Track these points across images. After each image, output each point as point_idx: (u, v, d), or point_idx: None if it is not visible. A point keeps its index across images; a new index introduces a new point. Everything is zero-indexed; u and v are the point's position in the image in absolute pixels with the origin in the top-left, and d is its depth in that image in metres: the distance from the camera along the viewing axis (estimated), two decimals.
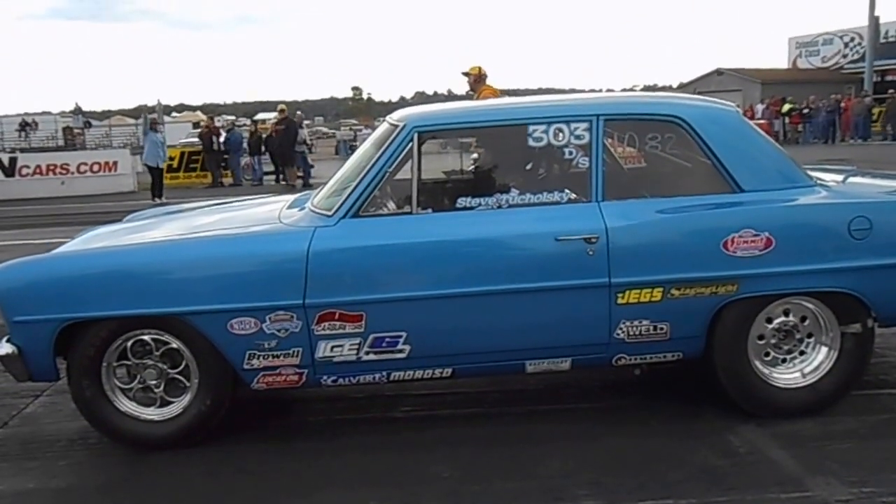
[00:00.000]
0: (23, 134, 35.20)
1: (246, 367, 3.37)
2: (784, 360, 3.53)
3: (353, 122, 58.81)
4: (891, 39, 36.51)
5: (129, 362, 3.46)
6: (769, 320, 3.48)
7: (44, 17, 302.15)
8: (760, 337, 3.48)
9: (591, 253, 3.29)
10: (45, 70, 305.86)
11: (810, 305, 3.47)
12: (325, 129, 46.91)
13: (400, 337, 3.35)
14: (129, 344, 3.43)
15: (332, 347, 3.34)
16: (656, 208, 3.38)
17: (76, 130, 34.69)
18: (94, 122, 41.09)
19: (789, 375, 3.52)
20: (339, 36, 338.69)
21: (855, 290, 3.37)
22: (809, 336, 3.52)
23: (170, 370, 3.46)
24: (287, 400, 4.04)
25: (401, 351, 3.37)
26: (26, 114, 40.84)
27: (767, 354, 3.51)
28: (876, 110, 26.52)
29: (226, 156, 20.05)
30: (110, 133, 37.43)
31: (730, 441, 3.34)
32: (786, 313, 3.49)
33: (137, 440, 3.52)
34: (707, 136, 3.44)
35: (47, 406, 4.16)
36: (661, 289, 3.33)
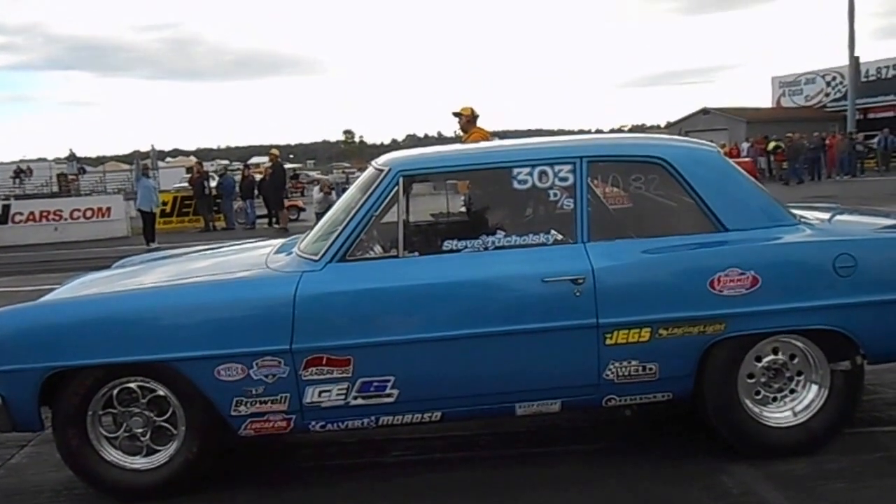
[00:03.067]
0: (17, 181, 35.29)
1: (233, 413, 3.34)
2: (775, 399, 3.51)
3: (346, 164, 59.16)
4: (871, 78, 37.28)
5: (115, 410, 3.43)
6: (758, 359, 3.47)
7: (42, 68, 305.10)
8: (750, 375, 3.47)
9: (578, 294, 3.29)
10: (41, 117, 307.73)
11: (799, 343, 3.47)
12: (312, 174, 46.43)
13: (388, 381, 3.33)
14: (116, 392, 3.40)
15: (320, 392, 3.32)
16: (642, 248, 3.39)
17: (70, 177, 34.79)
18: (88, 168, 41.22)
19: (780, 414, 3.50)
20: (331, 80, 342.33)
21: (842, 328, 3.38)
22: (799, 374, 3.51)
23: (156, 418, 3.43)
24: (276, 445, 3.99)
25: (389, 395, 3.34)
26: (22, 160, 40.99)
27: (758, 393, 3.49)
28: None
29: (218, 200, 20.12)
30: (104, 179, 37.54)
31: (723, 482, 3.30)
32: (775, 351, 3.48)
33: (123, 490, 3.46)
34: (690, 177, 3.47)
35: (32, 456, 4.10)
36: (648, 329, 3.33)
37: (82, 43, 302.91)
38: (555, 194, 3.47)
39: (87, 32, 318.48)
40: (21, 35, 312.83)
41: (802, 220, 3.63)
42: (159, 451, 3.45)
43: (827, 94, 41.24)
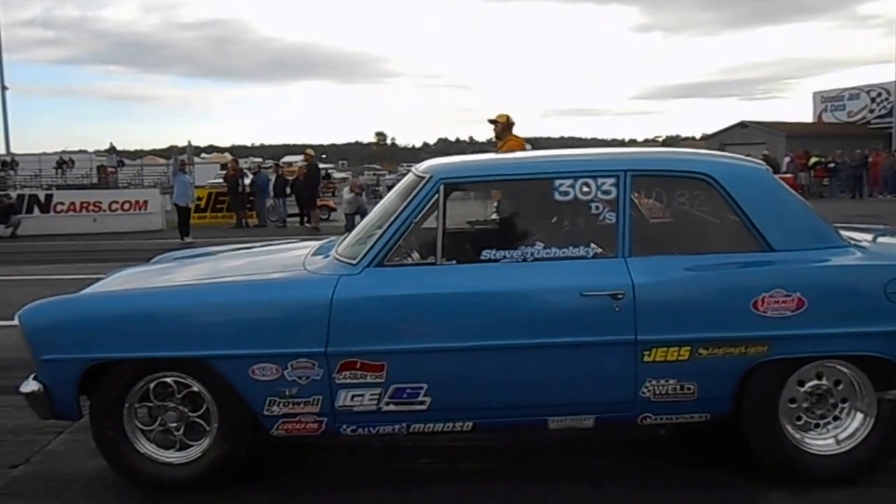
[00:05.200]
0: (59, 171, 35.86)
1: (266, 413, 3.35)
2: (817, 426, 3.43)
3: (377, 166, 59.35)
4: None
5: (150, 404, 3.46)
6: (801, 383, 3.39)
7: (86, 62, 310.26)
8: (792, 400, 3.39)
9: (617, 309, 3.25)
10: (83, 110, 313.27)
11: (844, 369, 3.39)
12: (340, 175, 46.24)
13: (421, 388, 3.31)
14: (152, 385, 3.43)
15: (353, 396, 3.31)
16: (685, 265, 3.34)
17: (110, 169, 35.24)
18: (126, 162, 41.74)
19: (823, 441, 3.41)
20: (364, 82, 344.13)
21: (891, 355, 3.29)
22: (844, 401, 3.42)
23: (190, 413, 3.45)
24: (306, 446, 3.99)
25: (421, 403, 3.33)
26: (64, 151, 41.63)
27: (800, 419, 3.41)
28: None
29: (251, 197, 20.29)
30: (142, 172, 38.01)
31: None
32: (819, 377, 3.40)
33: (155, 482, 3.49)
34: (736, 194, 3.41)
35: (69, 444, 4.15)
36: (688, 348, 3.27)
37: (126, 39, 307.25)
38: (596, 207, 3.43)
39: (131, 29, 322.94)
40: (69, 30, 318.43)
41: (852, 241, 3.55)
42: (192, 446, 3.48)
43: (871, 111, 40.61)
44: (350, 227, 14.69)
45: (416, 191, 3.48)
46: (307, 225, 18.78)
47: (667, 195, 3.62)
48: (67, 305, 3.53)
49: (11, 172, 32.80)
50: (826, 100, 43.52)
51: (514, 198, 3.94)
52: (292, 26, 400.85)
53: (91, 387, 3.41)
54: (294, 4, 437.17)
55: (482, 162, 3.93)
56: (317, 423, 3.38)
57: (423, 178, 3.54)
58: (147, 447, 3.48)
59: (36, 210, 18.85)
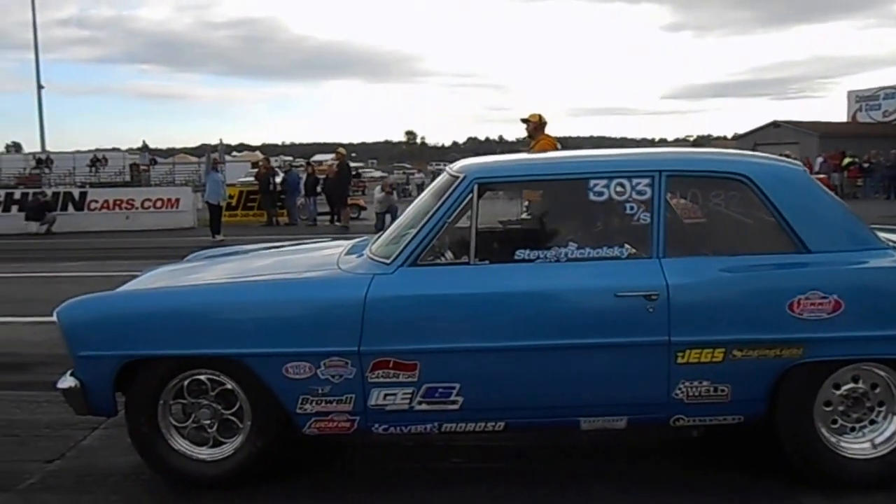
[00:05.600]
0: (93, 169, 36.42)
1: (299, 411, 3.37)
2: (853, 429, 3.38)
3: (407, 165, 59.54)
4: None
5: (184, 401, 3.50)
6: (837, 386, 3.35)
7: (120, 61, 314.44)
8: (827, 403, 3.35)
9: (651, 310, 3.23)
10: (116, 109, 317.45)
11: (881, 373, 3.34)
12: (374, 173, 46.56)
13: (453, 388, 3.31)
14: (186, 383, 3.47)
15: (385, 395, 3.33)
16: (719, 266, 3.31)
17: (142, 167, 35.77)
18: (159, 160, 42.31)
19: (859, 445, 3.37)
20: (395, 81, 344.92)
21: None
22: (881, 405, 3.37)
23: (224, 411, 3.48)
24: (338, 444, 4.01)
25: (454, 402, 3.33)
26: (98, 150, 42.31)
27: (835, 422, 3.37)
28: None
29: (282, 196, 20.42)
30: (174, 170, 38.48)
31: None
32: (855, 380, 3.36)
33: (188, 479, 3.53)
34: (773, 195, 3.38)
35: (103, 439, 4.21)
36: (722, 349, 3.25)
37: (159, 38, 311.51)
38: (631, 207, 3.41)
39: (165, 28, 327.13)
40: (104, 29, 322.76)
41: (890, 243, 3.49)
42: (225, 443, 3.51)
43: None
44: (380, 226, 14.75)
45: (450, 190, 3.48)
46: (337, 223, 18.87)
47: (702, 195, 3.59)
48: (104, 303, 3.58)
49: (46, 170, 33.36)
50: (861, 99, 42.88)
51: (547, 198, 3.93)
52: (324, 25, 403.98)
53: (126, 383, 3.46)
54: (326, 3, 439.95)
55: (516, 162, 3.92)
56: (349, 422, 3.40)
57: (457, 177, 3.54)
58: (181, 444, 3.52)
59: (70, 207, 19.16)
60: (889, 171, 25.34)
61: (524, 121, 8.15)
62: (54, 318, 3.52)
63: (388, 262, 3.42)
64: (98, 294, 3.63)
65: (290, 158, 40.70)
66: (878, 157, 25.80)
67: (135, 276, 4.19)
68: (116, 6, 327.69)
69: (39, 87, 42.47)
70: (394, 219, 6.39)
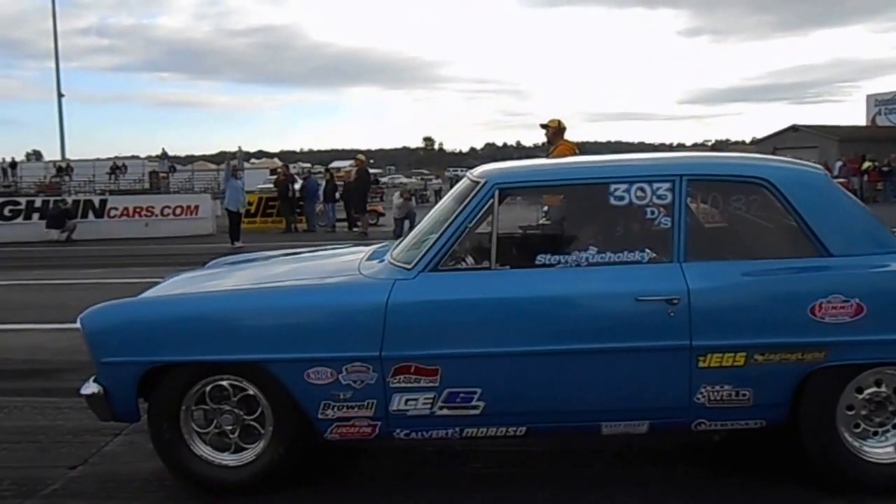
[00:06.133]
0: (113, 177, 36.74)
1: (321, 416, 3.39)
2: (876, 433, 3.36)
3: (425, 171, 59.65)
4: None
5: (206, 406, 3.51)
6: (859, 390, 3.33)
7: (139, 69, 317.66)
8: (850, 407, 3.33)
9: (672, 314, 3.22)
10: (136, 116, 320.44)
11: None
12: (399, 178, 46.81)
13: (475, 393, 3.32)
14: (208, 388, 3.49)
15: (407, 401, 3.33)
16: (741, 270, 3.30)
17: (161, 174, 36.04)
18: (178, 167, 42.62)
19: (882, 450, 3.34)
20: (413, 87, 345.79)
21: None
22: None
23: (246, 416, 3.50)
24: (359, 449, 4.02)
25: (475, 407, 3.33)
26: (117, 157, 42.71)
27: (857, 426, 3.34)
28: None
29: (301, 202, 20.52)
30: (193, 177, 38.73)
31: None
32: (878, 384, 3.33)
33: (210, 485, 3.54)
34: (794, 199, 3.36)
35: (126, 445, 4.24)
36: (744, 353, 3.23)
37: (179, 46, 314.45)
38: (652, 212, 3.41)
39: (184, 36, 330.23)
40: (124, 38, 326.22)
41: None
42: (247, 448, 3.52)
43: None
44: (399, 231, 14.79)
45: (471, 196, 3.49)
46: (356, 229, 18.93)
47: (723, 200, 3.58)
48: (127, 309, 3.61)
49: (67, 178, 33.68)
50: (880, 103, 42.56)
51: (568, 203, 3.93)
52: (343, 32, 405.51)
53: (149, 389, 3.49)
54: (345, 10, 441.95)
55: (536, 167, 3.93)
56: (370, 427, 3.41)
57: (478, 182, 3.55)
58: (203, 449, 3.53)
59: (91, 215, 19.33)
60: None
61: (543, 126, 8.14)
62: (77, 325, 3.55)
63: (409, 267, 3.44)
64: (121, 300, 3.67)
65: (309, 165, 40.91)
66: None
67: (156, 283, 4.23)
68: (136, 14, 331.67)
69: (60, 95, 42.98)
70: (412, 225, 6.39)
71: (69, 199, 20.59)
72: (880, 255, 3.34)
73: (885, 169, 26.16)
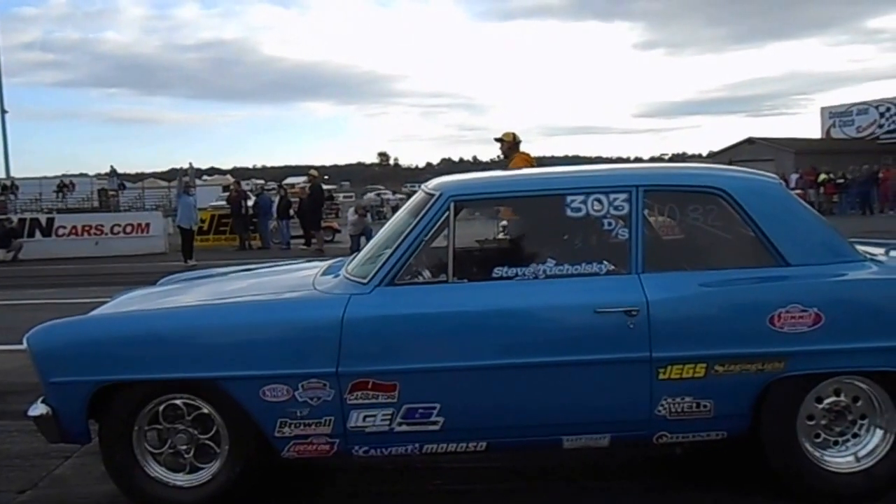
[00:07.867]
0: (60, 195, 35.91)
1: (277, 434, 3.31)
2: (836, 443, 3.37)
3: (380, 187, 59.50)
4: None
5: (160, 426, 3.41)
6: (819, 400, 3.34)
7: (87, 85, 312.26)
8: (810, 417, 3.34)
9: (631, 326, 3.21)
10: (84, 133, 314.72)
11: (863, 385, 3.34)
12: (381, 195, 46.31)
13: (434, 408, 3.27)
14: (161, 408, 3.39)
15: (365, 417, 3.27)
16: (699, 281, 3.30)
17: (111, 192, 35.31)
18: (128, 185, 41.80)
19: (842, 459, 3.36)
20: (367, 102, 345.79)
21: None
22: (863, 418, 3.37)
23: (200, 435, 3.41)
24: (316, 469, 3.94)
25: (434, 423, 3.28)
26: (65, 175, 41.67)
27: (818, 436, 3.36)
28: None
29: (254, 219, 20.29)
30: (143, 195, 38.06)
31: None
32: (837, 393, 3.36)
33: None
34: (750, 209, 3.39)
35: (77, 468, 4.10)
36: (704, 365, 3.23)
37: (127, 61, 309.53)
38: (609, 223, 3.40)
39: (133, 51, 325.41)
40: (70, 53, 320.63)
41: (868, 255, 3.52)
42: (202, 468, 3.43)
43: (880, 126, 40.72)
44: (355, 248, 14.65)
45: (426, 208, 3.45)
46: (311, 247, 18.75)
47: (680, 210, 3.60)
48: (75, 327, 3.50)
49: (12, 196, 32.81)
50: (834, 115, 43.58)
51: (525, 215, 3.91)
52: (294, 47, 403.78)
53: (100, 410, 3.37)
54: (296, 25, 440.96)
55: (492, 179, 3.91)
56: (328, 445, 3.33)
57: (433, 195, 3.51)
58: (157, 470, 3.43)
59: (37, 234, 18.87)
60: (863, 186, 25.73)
61: (498, 140, 8.15)
62: (24, 345, 3.43)
63: (364, 281, 3.38)
64: (69, 319, 3.56)
65: (262, 181, 40.50)
66: (856, 173, 26.20)
67: (105, 302, 4.10)
68: (82, 28, 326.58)
69: (3, 111, 41.91)
70: (368, 241, 6.32)
71: (14, 218, 20.03)
72: (837, 265, 3.38)
73: (840, 181, 26.82)
